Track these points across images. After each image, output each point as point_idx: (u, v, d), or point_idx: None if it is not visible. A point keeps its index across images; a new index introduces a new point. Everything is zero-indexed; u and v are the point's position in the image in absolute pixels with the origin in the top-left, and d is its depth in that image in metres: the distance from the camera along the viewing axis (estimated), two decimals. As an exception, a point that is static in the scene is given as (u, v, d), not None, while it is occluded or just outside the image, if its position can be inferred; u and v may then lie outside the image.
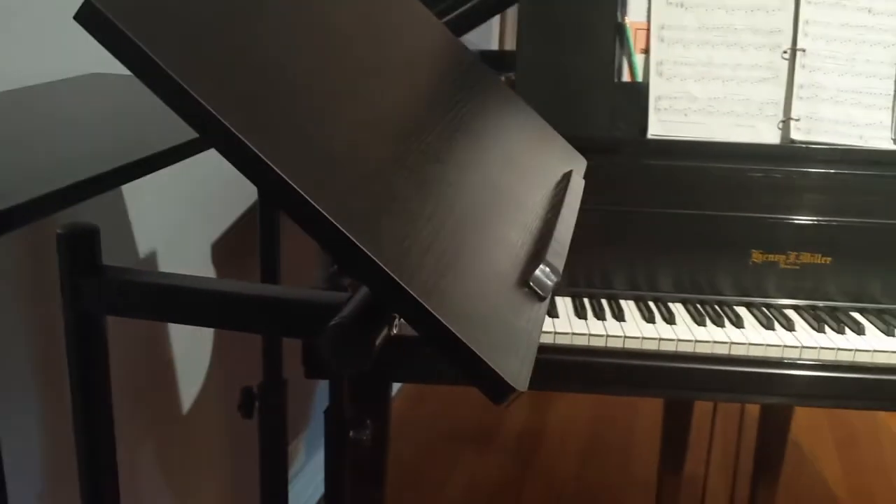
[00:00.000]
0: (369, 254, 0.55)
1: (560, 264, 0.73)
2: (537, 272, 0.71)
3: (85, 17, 0.54)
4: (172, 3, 0.60)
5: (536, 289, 0.70)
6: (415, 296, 0.55)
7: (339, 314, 0.59)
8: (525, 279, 0.71)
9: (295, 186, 0.53)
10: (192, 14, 0.61)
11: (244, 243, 1.71)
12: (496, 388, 0.55)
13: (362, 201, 0.60)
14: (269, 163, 0.53)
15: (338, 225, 0.54)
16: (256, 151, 0.53)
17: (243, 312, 0.67)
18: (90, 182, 0.73)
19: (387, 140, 0.71)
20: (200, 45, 0.58)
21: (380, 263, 0.55)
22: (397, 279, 0.55)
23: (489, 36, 3.27)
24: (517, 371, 0.57)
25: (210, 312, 0.68)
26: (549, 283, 0.71)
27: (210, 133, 0.53)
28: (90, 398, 0.73)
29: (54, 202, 0.69)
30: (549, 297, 0.72)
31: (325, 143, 0.62)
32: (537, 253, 0.75)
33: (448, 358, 0.56)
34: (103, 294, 0.69)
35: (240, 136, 0.52)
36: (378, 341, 0.59)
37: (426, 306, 0.55)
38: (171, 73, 0.51)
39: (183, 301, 0.67)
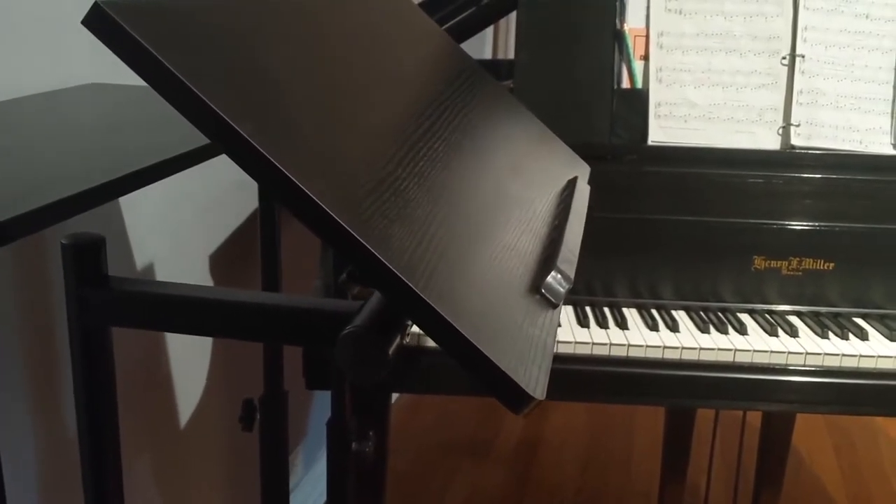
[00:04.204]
0: (384, 261, 0.54)
1: (571, 271, 0.73)
2: (549, 279, 0.70)
3: (92, 21, 0.53)
4: (179, 8, 0.59)
5: (548, 296, 0.69)
6: (430, 303, 0.54)
7: (353, 322, 0.58)
8: (537, 286, 0.70)
9: (310, 194, 0.52)
10: (199, 19, 0.60)
11: (242, 254, 1.69)
12: (515, 398, 0.54)
13: (375, 207, 0.59)
14: (283, 170, 0.52)
15: (353, 232, 0.53)
16: (271, 159, 0.52)
17: (253, 322, 0.66)
18: (90, 193, 0.72)
19: (396, 147, 0.70)
20: (208, 49, 0.58)
21: (395, 271, 0.54)
22: (413, 286, 0.54)
23: (482, 45, 3.27)
24: (535, 379, 0.56)
25: (220, 323, 0.67)
26: (560, 289, 0.70)
27: (223, 141, 0.52)
28: (96, 411, 0.71)
29: (54, 214, 0.68)
30: (561, 304, 0.71)
31: (338, 151, 0.61)
32: (548, 260, 0.75)
33: (464, 366, 0.55)
34: (109, 305, 0.67)
35: (254, 143, 0.51)
36: (392, 348, 0.58)
37: (442, 314, 0.54)
38: (186, 82, 0.50)
39: (191, 312, 0.66)
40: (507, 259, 0.71)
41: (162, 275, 1.42)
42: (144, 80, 0.53)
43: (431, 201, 0.68)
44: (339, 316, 0.62)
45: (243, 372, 1.73)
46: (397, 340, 0.60)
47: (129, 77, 1.08)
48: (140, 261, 1.35)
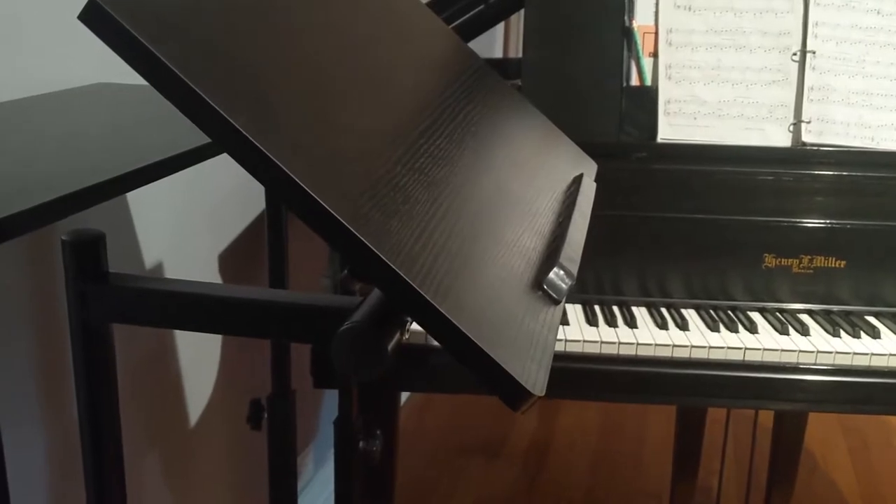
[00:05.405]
0: (381, 255, 0.54)
1: (574, 267, 0.72)
2: (551, 275, 0.70)
3: (89, 17, 0.53)
4: (174, 3, 0.59)
5: (551, 292, 0.69)
6: (427, 298, 0.54)
7: (351, 318, 0.58)
8: (539, 282, 0.69)
9: (304, 187, 0.52)
10: (194, 14, 0.60)
11: (251, 253, 1.69)
12: (513, 394, 0.54)
13: (373, 203, 0.58)
14: (278, 163, 0.52)
15: (348, 226, 0.53)
16: (262, 149, 0.52)
17: (252, 318, 0.66)
18: (92, 190, 0.72)
19: (396, 142, 0.69)
20: (207, 44, 0.57)
21: (391, 265, 0.54)
22: (409, 281, 0.54)
23: (492, 43, 3.27)
24: (534, 375, 0.56)
25: (218, 319, 0.66)
26: (563, 286, 0.69)
27: (218, 135, 0.52)
28: (97, 408, 0.71)
29: (55, 210, 0.68)
30: (564, 300, 0.71)
31: (335, 145, 0.61)
32: (550, 256, 0.74)
33: (462, 362, 0.54)
34: (109, 301, 0.67)
35: (249, 137, 0.51)
36: (391, 346, 0.58)
37: (439, 308, 0.54)
38: (178, 73, 0.50)
39: (191, 308, 0.66)
40: (509, 255, 0.71)
41: (171, 273, 1.42)
42: (140, 74, 0.53)
43: (432, 197, 0.67)
44: (337, 312, 0.61)
45: (252, 370, 1.73)
46: (396, 337, 0.59)
47: (138, 76, 1.08)
48: (149, 259, 1.35)
